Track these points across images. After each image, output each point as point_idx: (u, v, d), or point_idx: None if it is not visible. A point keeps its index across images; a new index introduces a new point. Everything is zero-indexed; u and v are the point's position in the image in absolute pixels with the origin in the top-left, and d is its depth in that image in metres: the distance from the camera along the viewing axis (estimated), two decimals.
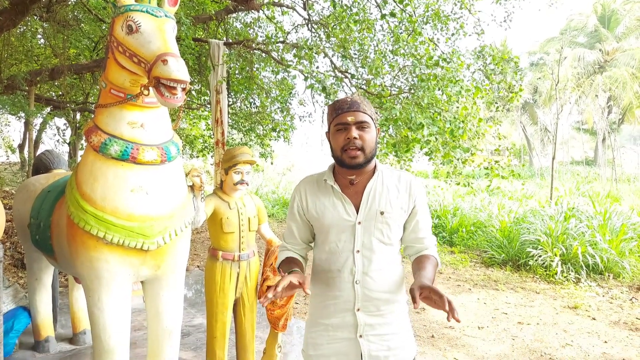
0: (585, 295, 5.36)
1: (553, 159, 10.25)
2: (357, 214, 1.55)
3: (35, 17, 7.29)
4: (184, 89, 1.83)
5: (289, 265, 1.59)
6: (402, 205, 1.57)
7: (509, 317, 4.68)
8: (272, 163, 9.35)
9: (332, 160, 1.65)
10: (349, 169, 1.56)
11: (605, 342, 4.04)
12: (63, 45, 6.96)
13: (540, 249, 6.39)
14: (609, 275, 5.92)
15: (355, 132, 1.51)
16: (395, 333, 1.55)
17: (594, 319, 4.61)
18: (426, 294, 1.30)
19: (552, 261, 6.08)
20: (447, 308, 1.23)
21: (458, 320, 1.20)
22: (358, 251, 1.54)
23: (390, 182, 1.59)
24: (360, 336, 1.53)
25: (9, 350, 3.28)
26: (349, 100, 1.56)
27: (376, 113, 1.62)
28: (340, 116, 1.54)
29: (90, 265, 2.04)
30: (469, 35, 6.03)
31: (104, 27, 7.02)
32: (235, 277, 2.73)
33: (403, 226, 1.61)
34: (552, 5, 6.96)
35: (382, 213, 1.54)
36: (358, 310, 1.53)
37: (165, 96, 1.80)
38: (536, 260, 6.28)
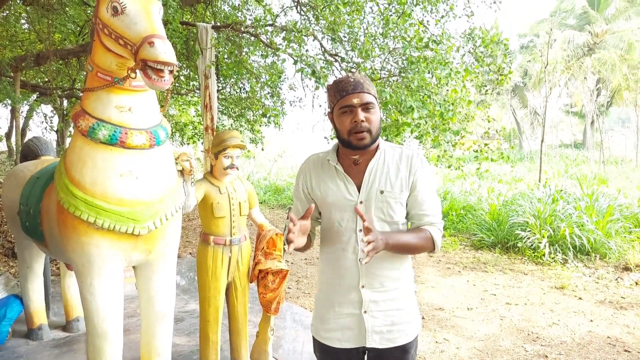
0: (572, 275, 5.46)
1: (542, 142, 10.32)
2: (359, 193, 1.56)
3: (18, 1, 7.12)
4: (171, 72, 1.81)
5: None
6: (402, 182, 1.57)
7: (498, 298, 4.76)
8: (262, 149, 9.31)
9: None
10: (356, 150, 1.56)
11: (591, 320, 4.13)
12: (48, 30, 6.81)
13: (528, 231, 6.48)
14: (595, 256, 6.03)
15: (362, 115, 1.50)
16: (400, 309, 1.58)
17: (580, 298, 4.71)
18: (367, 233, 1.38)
19: (540, 243, 6.18)
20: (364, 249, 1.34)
21: (365, 258, 1.36)
22: (360, 230, 1.54)
23: (392, 160, 1.59)
24: (365, 312, 1.56)
25: (2, 338, 3.28)
26: (352, 80, 1.54)
27: None
28: (344, 98, 1.52)
29: (81, 250, 2.04)
30: (459, 17, 6.02)
31: (89, 11, 6.88)
32: (227, 261, 2.74)
33: (406, 203, 1.60)
34: None
35: (382, 192, 1.55)
36: (363, 287, 1.56)
37: (153, 79, 1.78)
38: (525, 242, 6.37)
